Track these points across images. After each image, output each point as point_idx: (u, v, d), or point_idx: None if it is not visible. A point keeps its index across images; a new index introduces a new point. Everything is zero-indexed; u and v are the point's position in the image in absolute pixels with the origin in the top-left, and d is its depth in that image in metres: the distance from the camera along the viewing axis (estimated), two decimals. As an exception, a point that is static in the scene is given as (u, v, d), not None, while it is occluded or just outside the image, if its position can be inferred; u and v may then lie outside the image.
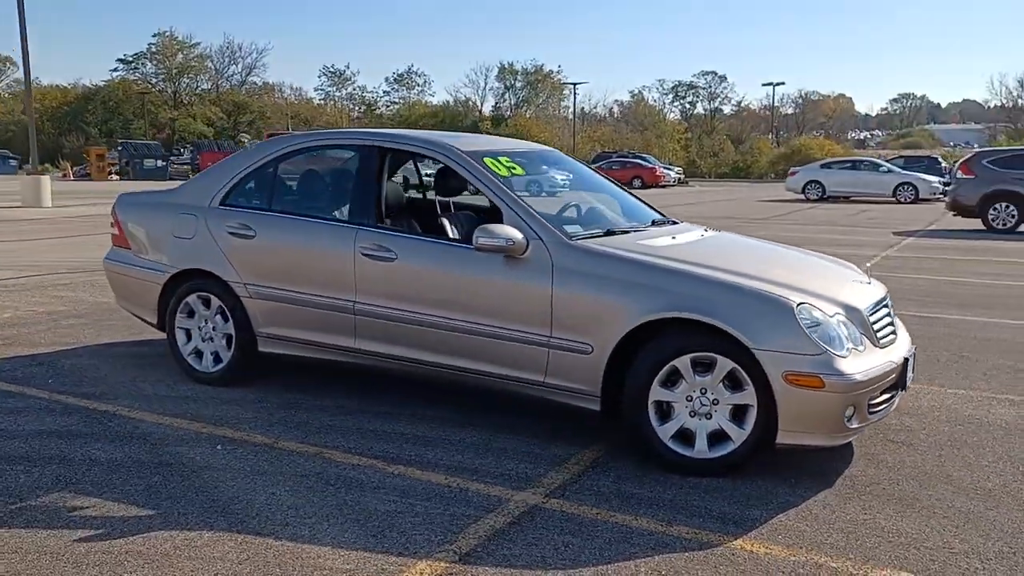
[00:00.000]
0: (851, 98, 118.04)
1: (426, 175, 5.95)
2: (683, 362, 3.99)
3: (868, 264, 5.92)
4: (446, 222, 5.01)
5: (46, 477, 3.91)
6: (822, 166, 31.29)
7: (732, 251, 4.75)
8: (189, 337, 5.45)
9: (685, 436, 4.04)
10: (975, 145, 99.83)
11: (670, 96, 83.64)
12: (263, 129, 67.11)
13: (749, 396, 3.93)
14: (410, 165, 5.96)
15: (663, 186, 41.87)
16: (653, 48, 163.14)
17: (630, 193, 5.76)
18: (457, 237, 4.89)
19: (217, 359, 5.36)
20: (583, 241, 4.42)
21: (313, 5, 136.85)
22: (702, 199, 32.31)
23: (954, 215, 18.62)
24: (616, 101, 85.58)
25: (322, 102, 75.16)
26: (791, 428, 3.84)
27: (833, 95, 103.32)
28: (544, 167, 5.70)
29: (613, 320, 4.11)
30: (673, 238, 4.80)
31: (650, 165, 43.79)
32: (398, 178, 5.76)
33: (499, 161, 4.90)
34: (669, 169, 45.41)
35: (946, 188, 30.62)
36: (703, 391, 4.00)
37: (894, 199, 28.84)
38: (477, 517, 3.56)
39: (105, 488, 3.79)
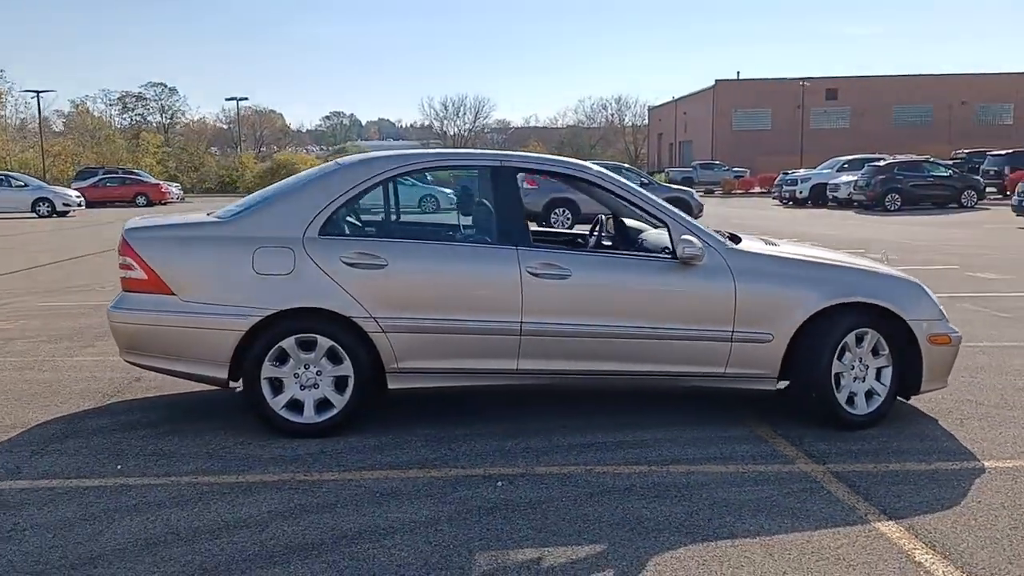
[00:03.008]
0: (282, 114, 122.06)
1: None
2: (850, 338, 4.95)
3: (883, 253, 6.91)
4: (600, 236, 5.22)
5: (431, 542, 3.45)
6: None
7: (820, 251, 5.69)
8: (276, 388, 4.75)
9: (849, 399, 5.00)
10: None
11: (118, 107, 78.53)
12: None
13: (886, 359, 5.04)
14: None
15: (167, 203, 39.76)
16: (95, 57, 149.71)
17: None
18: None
19: (322, 407, 4.78)
20: (741, 246, 5.09)
21: None
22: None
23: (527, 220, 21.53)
24: (57, 112, 77.13)
25: None
26: (930, 379, 5.05)
27: (266, 110, 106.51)
28: None
29: (792, 310, 4.89)
30: (772, 241, 5.64)
31: (154, 182, 41.40)
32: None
33: (624, 177, 5.27)
34: (171, 185, 43.12)
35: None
36: (860, 359, 5.00)
37: (419, 208, 31.55)
38: (815, 490, 4.11)
39: (523, 539, 3.51)
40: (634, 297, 4.87)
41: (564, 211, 20.82)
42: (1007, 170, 34.90)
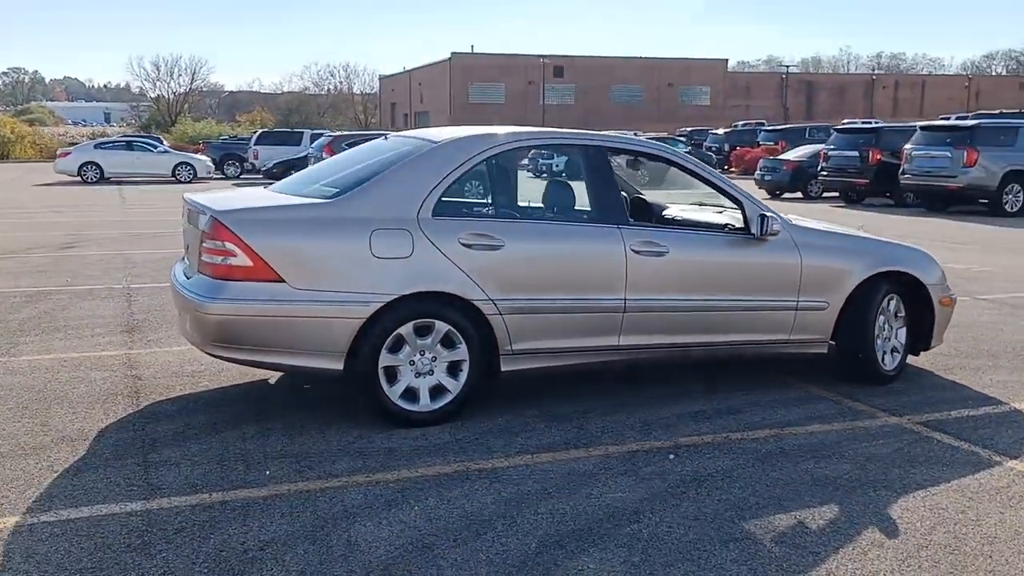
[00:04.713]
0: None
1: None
2: (884, 302, 5.54)
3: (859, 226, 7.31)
4: (683, 214, 5.36)
5: (688, 516, 3.51)
6: (96, 146, 29.95)
7: (830, 225, 6.19)
8: (391, 377, 4.49)
9: (882, 357, 5.60)
10: (94, 123, 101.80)
11: None
12: None
13: (903, 321, 5.71)
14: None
15: None
16: None
17: None
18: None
19: (436, 393, 4.58)
20: (798, 222, 5.49)
21: None
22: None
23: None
24: None
25: None
26: (936, 335, 5.78)
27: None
28: None
29: (844, 279, 5.38)
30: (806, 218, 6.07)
31: None
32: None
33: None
34: None
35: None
36: (888, 322, 5.62)
37: (174, 178, 29.35)
38: (928, 440, 4.60)
39: (764, 505, 3.67)
40: (721, 271, 5.12)
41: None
42: (727, 147, 38.76)
